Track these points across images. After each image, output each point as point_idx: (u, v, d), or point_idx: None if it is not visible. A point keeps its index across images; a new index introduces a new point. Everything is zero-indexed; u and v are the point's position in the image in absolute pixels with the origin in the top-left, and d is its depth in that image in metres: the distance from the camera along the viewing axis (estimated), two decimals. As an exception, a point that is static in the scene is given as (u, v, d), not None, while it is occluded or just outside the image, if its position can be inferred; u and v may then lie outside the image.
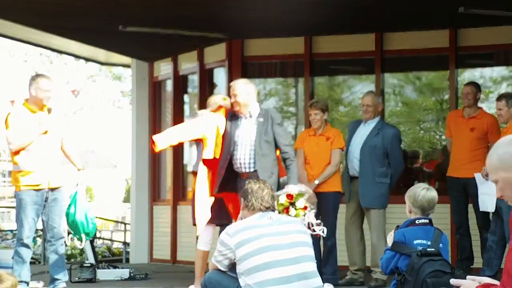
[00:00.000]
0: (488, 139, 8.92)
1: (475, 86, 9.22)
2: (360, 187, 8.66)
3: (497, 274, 8.36)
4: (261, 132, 7.51)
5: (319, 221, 7.38)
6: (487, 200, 8.44)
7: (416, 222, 5.81)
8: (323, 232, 7.38)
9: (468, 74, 11.16)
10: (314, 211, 7.42)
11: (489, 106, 10.91)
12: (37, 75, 8.28)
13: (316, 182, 8.57)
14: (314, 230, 7.25)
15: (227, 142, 7.62)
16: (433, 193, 5.91)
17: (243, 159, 7.55)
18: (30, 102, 7.92)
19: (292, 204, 7.32)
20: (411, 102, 11.85)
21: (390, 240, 5.96)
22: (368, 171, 8.63)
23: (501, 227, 8.28)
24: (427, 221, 5.84)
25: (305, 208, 7.33)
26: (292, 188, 7.38)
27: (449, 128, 9.33)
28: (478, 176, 8.55)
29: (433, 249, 5.70)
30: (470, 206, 9.10)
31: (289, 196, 7.33)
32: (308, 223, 7.28)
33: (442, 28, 10.59)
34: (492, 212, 8.46)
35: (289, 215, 7.19)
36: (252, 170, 7.49)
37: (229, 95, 7.79)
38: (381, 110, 9.24)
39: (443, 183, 9.75)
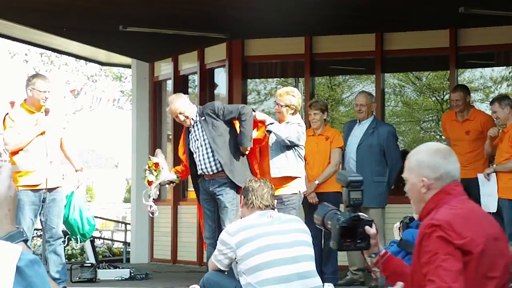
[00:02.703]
0: (485, 138, 8.93)
1: (463, 91, 9.17)
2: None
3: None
4: (210, 130, 7.61)
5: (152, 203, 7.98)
6: (489, 201, 8.45)
7: None
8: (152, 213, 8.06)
9: (468, 74, 11.17)
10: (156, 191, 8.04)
11: (489, 106, 10.92)
12: (34, 76, 8.20)
13: (316, 182, 8.56)
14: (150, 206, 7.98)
15: (189, 154, 7.82)
16: None
17: (203, 163, 7.66)
18: (28, 103, 7.90)
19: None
20: (411, 102, 11.85)
21: (396, 233, 5.97)
22: (365, 170, 8.62)
23: (501, 227, 8.28)
24: None
25: (150, 183, 7.98)
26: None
27: (445, 130, 9.34)
28: (480, 177, 8.55)
29: None
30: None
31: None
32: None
33: (443, 28, 10.59)
34: (493, 212, 8.47)
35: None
36: (215, 171, 7.62)
37: (170, 112, 7.88)
38: (379, 109, 9.24)
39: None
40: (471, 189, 8.88)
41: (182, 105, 7.64)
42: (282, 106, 7.93)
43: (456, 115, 9.13)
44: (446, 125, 9.32)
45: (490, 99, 10.92)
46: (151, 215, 8.23)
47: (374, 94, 9.77)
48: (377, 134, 8.70)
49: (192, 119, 7.68)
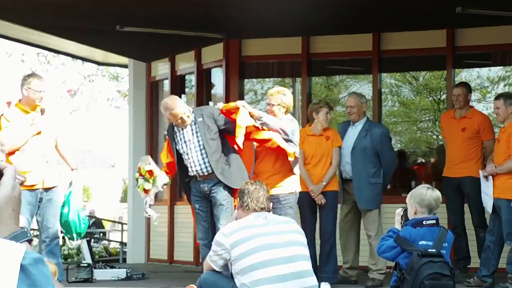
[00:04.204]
0: (480, 138, 8.94)
1: (466, 87, 9.20)
2: (355, 191, 8.70)
3: (494, 273, 8.38)
4: (205, 133, 7.57)
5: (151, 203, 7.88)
6: (487, 200, 8.46)
7: (424, 222, 5.83)
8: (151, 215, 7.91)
9: (465, 74, 11.17)
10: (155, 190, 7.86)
11: (486, 106, 10.93)
12: (29, 75, 8.16)
13: (324, 182, 8.60)
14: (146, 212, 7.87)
15: (178, 154, 7.74)
16: (437, 192, 5.99)
17: (197, 164, 7.62)
18: (23, 102, 7.86)
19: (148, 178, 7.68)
20: (409, 102, 11.86)
21: (398, 218, 5.99)
22: (361, 174, 8.67)
23: (499, 227, 8.30)
24: (434, 221, 5.86)
25: (147, 192, 7.79)
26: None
27: (443, 129, 9.38)
28: (481, 175, 8.56)
29: (434, 250, 5.72)
30: (466, 205, 9.11)
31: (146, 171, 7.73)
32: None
33: (440, 28, 10.59)
34: (491, 212, 8.47)
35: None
36: (210, 171, 7.59)
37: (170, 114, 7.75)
38: (376, 109, 9.24)
39: (440, 183, 9.77)
40: (465, 187, 8.89)
41: (182, 108, 7.62)
42: (274, 105, 7.99)
43: (454, 113, 9.13)
44: (443, 124, 9.34)
45: (487, 99, 10.95)
46: (155, 222, 8.25)
47: (365, 95, 9.78)
48: (370, 137, 8.75)
49: (190, 118, 7.66)
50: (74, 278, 9.35)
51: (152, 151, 12.93)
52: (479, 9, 9.51)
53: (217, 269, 5.74)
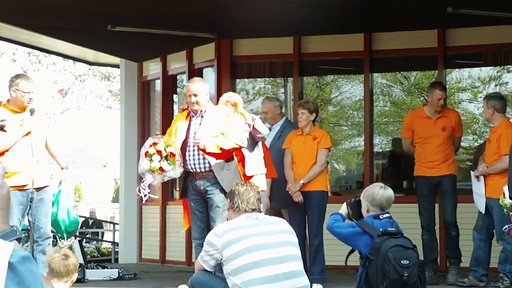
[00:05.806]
0: (454, 135, 8.98)
1: (445, 89, 9.27)
2: (273, 190, 8.67)
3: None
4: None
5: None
6: (479, 200, 8.48)
7: (380, 217, 5.97)
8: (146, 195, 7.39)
9: (456, 74, 11.21)
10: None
11: (477, 105, 10.96)
12: (16, 76, 8.03)
13: (302, 182, 8.56)
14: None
15: (183, 144, 7.50)
16: (390, 191, 6.08)
17: (196, 158, 7.43)
18: (11, 103, 7.81)
19: (165, 157, 7.30)
20: (400, 102, 11.87)
21: (343, 209, 6.15)
22: (279, 173, 8.64)
23: (489, 225, 8.34)
24: (388, 215, 6.02)
25: (162, 171, 7.29)
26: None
27: (409, 129, 9.08)
28: (473, 175, 8.58)
29: (394, 229, 5.84)
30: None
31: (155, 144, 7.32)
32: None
33: (431, 28, 10.62)
34: (483, 212, 8.48)
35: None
36: (207, 169, 7.41)
37: (189, 94, 7.53)
38: (367, 109, 9.23)
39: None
40: (443, 185, 8.91)
41: (199, 90, 7.46)
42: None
43: (426, 112, 9.01)
44: (414, 124, 9.04)
45: (478, 99, 10.98)
46: (144, 198, 7.52)
47: (279, 98, 10.02)
48: (283, 138, 8.87)
49: (201, 110, 7.51)
50: (65, 278, 9.34)
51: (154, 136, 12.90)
52: (470, 9, 9.54)
53: (208, 269, 5.74)
